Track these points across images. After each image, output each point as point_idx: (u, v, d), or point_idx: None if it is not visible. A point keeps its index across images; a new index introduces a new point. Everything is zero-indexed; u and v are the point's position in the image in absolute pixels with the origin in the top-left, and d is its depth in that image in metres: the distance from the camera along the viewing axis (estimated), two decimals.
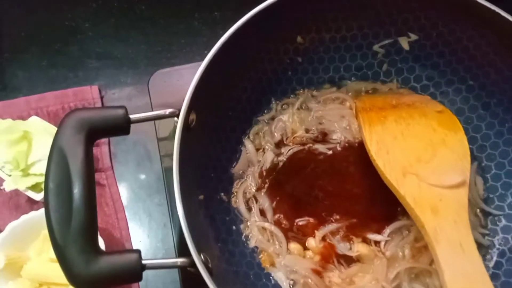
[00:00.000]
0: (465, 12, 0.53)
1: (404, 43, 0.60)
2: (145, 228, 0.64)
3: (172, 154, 0.63)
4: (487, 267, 0.55)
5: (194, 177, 0.51)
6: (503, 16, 0.49)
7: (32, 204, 0.65)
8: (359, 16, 0.58)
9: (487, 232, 0.57)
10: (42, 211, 0.58)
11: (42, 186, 0.62)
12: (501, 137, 0.58)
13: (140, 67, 0.75)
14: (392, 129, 0.56)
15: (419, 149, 0.54)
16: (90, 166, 0.41)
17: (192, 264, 0.42)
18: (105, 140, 0.68)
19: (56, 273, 0.55)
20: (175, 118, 0.47)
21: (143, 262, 0.41)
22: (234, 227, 0.57)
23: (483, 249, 0.55)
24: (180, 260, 0.43)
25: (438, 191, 0.51)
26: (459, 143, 0.55)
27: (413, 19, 0.58)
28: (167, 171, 0.65)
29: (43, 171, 0.62)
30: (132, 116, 0.44)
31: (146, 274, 0.59)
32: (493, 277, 0.54)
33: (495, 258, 0.55)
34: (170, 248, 0.63)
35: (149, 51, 0.76)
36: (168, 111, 0.46)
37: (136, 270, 0.40)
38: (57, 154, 0.41)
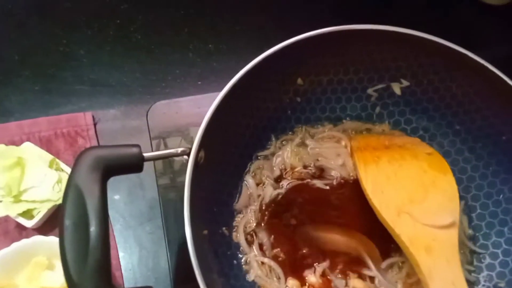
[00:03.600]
0: (456, 63, 0.57)
1: (396, 88, 0.64)
2: (135, 256, 0.64)
3: (169, 186, 0.67)
4: None
5: (199, 212, 0.52)
6: (492, 70, 0.54)
7: (21, 230, 0.64)
8: (356, 62, 0.62)
9: (472, 268, 0.59)
10: (33, 238, 0.58)
11: (33, 213, 0.62)
12: (486, 179, 0.62)
13: (135, 95, 0.76)
14: (385, 169, 0.59)
15: (412, 189, 0.57)
16: (105, 204, 0.42)
17: None
18: None
19: None
20: (185, 156, 0.48)
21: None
22: (235, 261, 0.58)
23: (469, 284, 0.57)
24: None
25: (431, 231, 0.53)
26: (448, 184, 0.58)
27: (406, 67, 0.61)
28: (164, 199, 0.66)
29: (35, 197, 0.63)
30: (146, 155, 0.46)
31: None
32: None
33: None
34: (160, 277, 0.63)
35: (144, 79, 0.76)
36: (180, 149, 0.48)
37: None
38: (73, 191, 0.41)
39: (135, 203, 0.67)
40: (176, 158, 0.68)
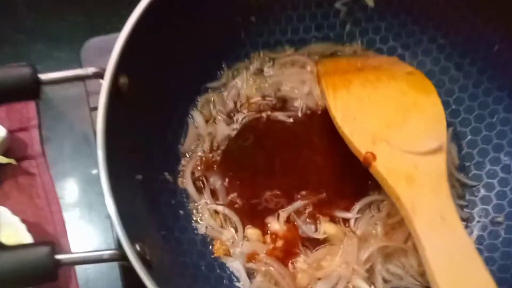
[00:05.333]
0: None
1: None
2: (84, 221, 0.57)
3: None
4: None
5: (129, 154, 0.43)
6: None
7: None
8: None
9: (465, 203, 0.51)
10: None
11: None
12: (476, 100, 0.53)
13: (77, 41, 0.65)
14: (358, 94, 0.51)
15: (389, 114, 0.49)
16: None
17: (124, 256, 0.35)
18: (34, 123, 0.60)
19: None
20: (100, 80, 0.38)
21: (57, 257, 0.32)
22: (181, 211, 0.50)
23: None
24: (107, 253, 0.35)
25: (412, 159, 0.45)
26: (432, 106, 0.50)
27: None
28: None
29: None
30: (42, 76, 0.36)
31: (86, 272, 0.54)
32: None
33: (475, 232, 0.50)
34: (113, 244, 0.55)
35: (87, 23, 0.67)
36: (90, 70, 0.38)
37: (48, 267, 0.32)
38: None
39: (81, 161, 0.60)
40: None
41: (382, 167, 0.45)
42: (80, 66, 0.61)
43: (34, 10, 0.67)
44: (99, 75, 0.38)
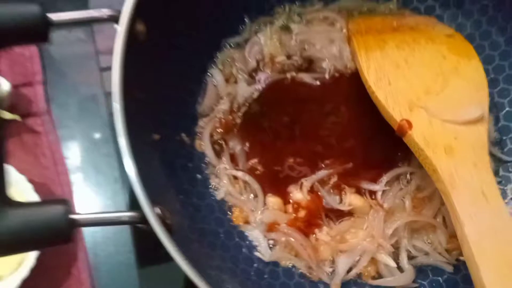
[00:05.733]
0: None
1: None
2: (91, 183, 0.55)
3: None
4: None
5: (146, 111, 0.40)
6: None
7: None
8: None
9: (498, 179, 0.49)
10: None
11: None
12: None
13: None
14: (394, 56, 0.47)
15: (428, 79, 0.46)
16: None
17: (143, 219, 0.32)
18: (39, 78, 0.57)
19: None
20: (115, 25, 0.34)
21: (73, 216, 0.29)
22: (199, 175, 0.47)
23: None
24: (126, 215, 0.32)
25: (452, 128, 0.42)
26: (474, 71, 0.46)
27: None
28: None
29: None
30: (52, 16, 0.31)
31: (94, 235, 0.51)
32: None
33: (508, 210, 0.47)
34: (122, 207, 0.54)
35: None
36: (105, 12, 0.34)
37: (62, 227, 0.29)
38: None
39: (87, 120, 0.57)
40: None
41: (419, 136, 0.42)
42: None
43: None
44: (114, 18, 0.34)
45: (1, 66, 0.56)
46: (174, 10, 0.41)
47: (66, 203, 0.30)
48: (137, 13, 0.35)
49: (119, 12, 0.34)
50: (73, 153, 0.56)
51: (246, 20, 0.51)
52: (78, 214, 0.30)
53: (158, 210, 0.33)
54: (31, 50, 0.57)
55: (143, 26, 0.37)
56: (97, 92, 0.57)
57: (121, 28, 0.34)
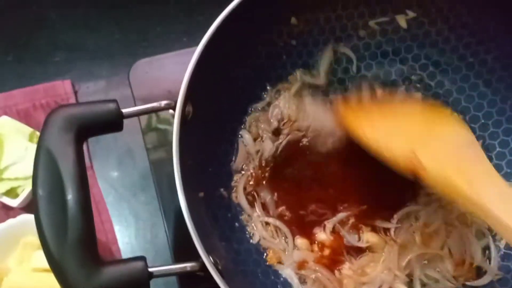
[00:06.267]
0: None
1: (401, 21, 0.57)
2: (131, 229, 0.61)
3: (159, 147, 0.62)
4: (497, 247, 0.54)
5: (193, 173, 0.47)
6: None
7: (8, 211, 0.60)
8: None
9: None
10: (20, 218, 0.54)
11: (18, 191, 0.58)
12: (504, 114, 0.57)
13: (115, 58, 0.70)
14: (386, 120, 0.53)
15: (417, 127, 0.52)
16: (82, 169, 0.37)
17: (203, 268, 0.39)
18: None
19: (41, 284, 0.51)
20: (171, 111, 0.42)
21: (150, 270, 0.37)
22: (237, 223, 0.54)
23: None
24: (189, 265, 0.39)
25: (454, 154, 0.47)
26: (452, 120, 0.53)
27: None
28: (155, 166, 0.61)
29: (18, 174, 0.58)
30: (124, 111, 0.40)
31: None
32: (503, 268, 0.53)
33: None
34: (160, 250, 0.60)
35: (123, 40, 0.71)
36: (163, 103, 0.42)
37: (143, 280, 0.36)
38: (44, 157, 0.36)
39: (126, 172, 0.63)
40: (162, 115, 0.62)
41: (431, 169, 0.45)
42: (121, 80, 0.65)
43: (71, 28, 0.70)
44: (170, 106, 0.42)
45: None
46: (213, 90, 0.49)
47: (144, 259, 0.38)
48: (187, 99, 0.43)
49: (174, 101, 0.42)
50: (114, 203, 0.61)
51: (268, 87, 0.59)
52: (153, 267, 0.38)
53: (211, 258, 0.40)
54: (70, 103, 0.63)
55: (191, 107, 0.45)
56: (133, 146, 0.64)
57: (177, 112, 0.42)
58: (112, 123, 0.39)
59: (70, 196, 0.35)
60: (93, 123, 0.39)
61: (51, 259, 0.35)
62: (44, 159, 0.36)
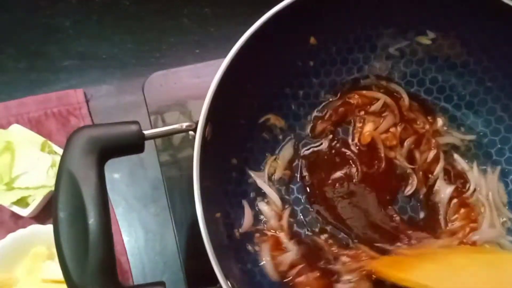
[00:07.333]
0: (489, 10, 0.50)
1: (423, 40, 0.57)
2: (141, 240, 0.61)
3: (171, 163, 0.61)
4: None
5: (209, 194, 0.47)
6: None
7: (17, 220, 0.60)
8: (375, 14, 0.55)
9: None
10: (31, 228, 0.54)
11: (28, 200, 0.58)
12: None
13: (128, 68, 0.70)
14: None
15: None
16: (104, 192, 0.37)
17: None
18: None
19: None
20: (191, 132, 0.42)
21: None
22: (249, 245, 0.53)
23: None
24: None
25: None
26: None
27: (431, 16, 0.55)
28: (168, 179, 0.61)
29: (29, 184, 0.58)
30: (146, 132, 0.40)
31: None
32: None
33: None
34: (169, 261, 0.60)
35: (137, 50, 0.71)
36: (184, 125, 0.42)
37: None
38: (66, 179, 0.36)
39: (137, 183, 0.63)
40: None
41: None
42: (133, 90, 0.65)
43: (84, 36, 0.70)
44: (192, 128, 0.42)
45: (58, 137, 0.62)
46: (230, 111, 0.49)
47: (163, 285, 0.37)
48: (207, 120, 0.43)
49: (195, 123, 0.42)
50: (124, 214, 0.61)
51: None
52: None
53: (229, 283, 0.40)
54: (82, 113, 0.64)
55: (210, 128, 0.44)
56: (144, 157, 0.62)
57: (198, 135, 0.42)
58: (134, 145, 0.39)
59: (92, 220, 0.35)
60: (115, 145, 0.39)
61: (71, 284, 0.34)
62: (66, 181, 0.36)
